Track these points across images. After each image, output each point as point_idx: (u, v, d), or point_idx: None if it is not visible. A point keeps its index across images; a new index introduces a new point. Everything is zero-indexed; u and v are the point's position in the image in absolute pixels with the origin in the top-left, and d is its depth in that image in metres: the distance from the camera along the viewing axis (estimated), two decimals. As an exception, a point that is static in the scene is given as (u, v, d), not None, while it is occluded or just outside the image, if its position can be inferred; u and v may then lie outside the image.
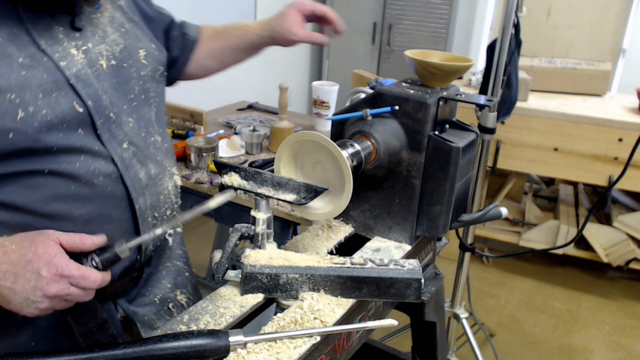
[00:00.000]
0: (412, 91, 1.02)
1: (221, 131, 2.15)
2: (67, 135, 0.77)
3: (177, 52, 1.12)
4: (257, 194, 0.88)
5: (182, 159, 1.87)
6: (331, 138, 0.99)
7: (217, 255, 0.90)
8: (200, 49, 1.16)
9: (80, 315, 0.83)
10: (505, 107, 1.97)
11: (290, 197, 0.87)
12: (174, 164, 0.99)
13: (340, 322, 0.84)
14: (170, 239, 1.00)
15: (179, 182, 1.01)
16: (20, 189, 0.75)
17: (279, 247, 0.93)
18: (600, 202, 2.87)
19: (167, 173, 0.95)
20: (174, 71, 1.14)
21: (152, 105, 0.93)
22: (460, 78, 2.93)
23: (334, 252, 1.03)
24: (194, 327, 0.81)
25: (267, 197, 0.88)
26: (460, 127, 1.10)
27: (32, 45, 0.75)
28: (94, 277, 0.71)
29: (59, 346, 0.87)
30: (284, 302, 0.88)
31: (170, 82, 1.16)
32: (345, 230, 1.11)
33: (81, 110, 0.78)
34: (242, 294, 0.87)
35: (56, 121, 0.75)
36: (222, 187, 0.89)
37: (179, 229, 1.06)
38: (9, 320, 0.78)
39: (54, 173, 0.76)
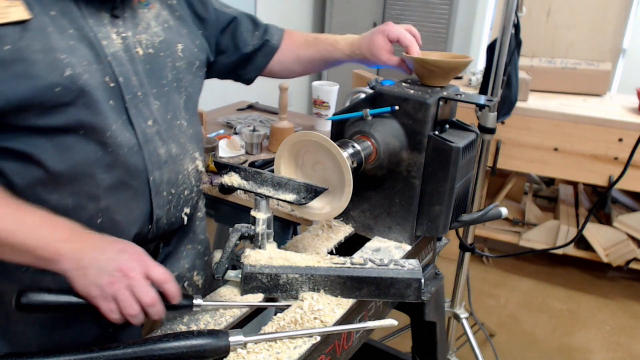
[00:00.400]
0: (412, 91, 1.03)
1: (221, 131, 2.15)
2: (103, 100, 0.85)
3: (249, 49, 1.18)
4: (257, 194, 0.88)
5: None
6: (331, 138, 0.99)
7: (217, 255, 0.90)
8: (287, 52, 1.22)
9: None
10: (505, 107, 1.97)
11: (290, 197, 0.87)
12: (198, 149, 1.04)
13: (340, 322, 0.84)
14: (185, 219, 1.03)
15: (201, 168, 1.05)
16: (54, 149, 0.83)
17: (279, 247, 0.93)
18: (600, 202, 2.87)
19: (189, 156, 1.00)
20: (251, 69, 1.22)
21: (182, 94, 1.00)
22: (460, 78, 2.93)
23: (334, 252, 1.03)
24: (194, 327, 0.81)
25: (267, 197, 0.88)
26: (460, 127, 1.10)
27: (82, 21, 0.85)
28: (164, 272, 0.78)
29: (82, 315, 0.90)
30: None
31: (248, 80, 1.24)
32: (345, 230, 1.11)
33: (112, 84, 0.87)
34: (242, 294, 0.87)
35: (93, 88, 0.84)
36: (222, 187, 0.89)
37: (200, 214, 1.12)
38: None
39: (87, 135, 0.84)
